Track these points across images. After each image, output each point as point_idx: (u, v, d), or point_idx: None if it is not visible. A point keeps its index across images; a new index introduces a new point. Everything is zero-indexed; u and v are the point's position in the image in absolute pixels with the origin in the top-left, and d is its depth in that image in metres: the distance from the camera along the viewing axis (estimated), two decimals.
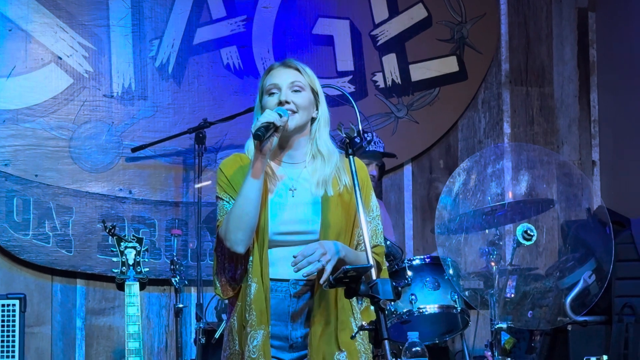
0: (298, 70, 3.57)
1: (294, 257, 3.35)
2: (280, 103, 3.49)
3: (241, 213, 3.41)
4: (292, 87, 3.53)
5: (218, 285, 3.56)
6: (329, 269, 3.34)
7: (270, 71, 3.58)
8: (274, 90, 3.53)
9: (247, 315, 3.46)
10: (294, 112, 3.49)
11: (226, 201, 3.51)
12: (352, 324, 3.50)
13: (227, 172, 3.55)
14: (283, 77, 3.54)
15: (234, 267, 3.53)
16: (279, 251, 3.48)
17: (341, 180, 3.54)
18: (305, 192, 3.52)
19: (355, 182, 3.42)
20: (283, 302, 3.48)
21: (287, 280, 3.47)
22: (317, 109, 3.58)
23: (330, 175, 3.53)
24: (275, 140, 3.44)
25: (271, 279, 3.46)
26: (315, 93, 3.58)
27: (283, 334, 3.49)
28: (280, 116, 3.43)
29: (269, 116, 3.41)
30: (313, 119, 3.58)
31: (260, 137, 3.37)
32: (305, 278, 3.42)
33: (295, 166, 3.57)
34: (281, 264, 3.47)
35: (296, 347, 3.51)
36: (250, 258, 3.47)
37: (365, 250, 3.32)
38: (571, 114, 7.07)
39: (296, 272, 3.36)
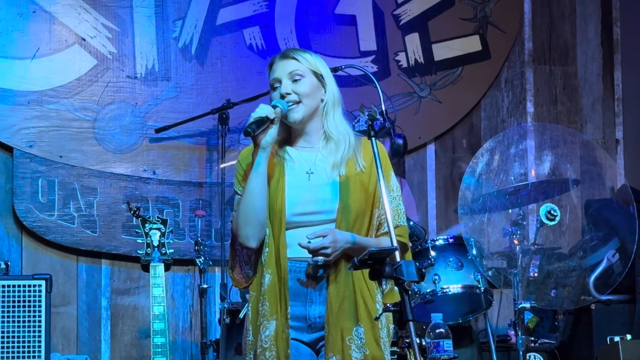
0: (295, 58, 3.59)
1: (307, 237, 3.43)
2: (282, 96, 3.54)
3: (247, 207, 3.48)
4: (292, 77, 3.57)
5: (234, 278, 3.63)
6: (321, 260, 3.45)
7: (272, 66, 3.63)
8: (276, 85, 3.58)
9: (260, 306, 3.51)
10: (297, 102, 3.54)
11: (240, 195, 3.57)
12: (371, 299, 3.52)
13: (244, 164, 3.61)
14: (281, 70, 3.58)
15: (248, 260, 3.58)
16: (297, 232, 3.52)
17: (358, 161, 3.57)
18: (322, 175, 3.56)
19: (378, 164, 3.44)
20: (302, 282, 3.52)
21: (305, 260, 3.51)
22: (324, 91, 3.61)
23: (345, 157, 3.56)
24: (273, 131, 3.50)
25: (289, 259, 3.50)
26: (318, 76, 3.60)
27: (302, 314, 3.53)
28: (275, 107, 3.49)
29: (261, 111, 3.47)
30: (322, 101, 3.61)
31: (250, 133, 3.45)
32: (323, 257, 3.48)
33: (311, 150, 3.61)
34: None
35: (315, 328, 3.54)
36: (266, 249, 3.52)
37: (389, 231, 3.35)
38: (594, 93, 7.03)
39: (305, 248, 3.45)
